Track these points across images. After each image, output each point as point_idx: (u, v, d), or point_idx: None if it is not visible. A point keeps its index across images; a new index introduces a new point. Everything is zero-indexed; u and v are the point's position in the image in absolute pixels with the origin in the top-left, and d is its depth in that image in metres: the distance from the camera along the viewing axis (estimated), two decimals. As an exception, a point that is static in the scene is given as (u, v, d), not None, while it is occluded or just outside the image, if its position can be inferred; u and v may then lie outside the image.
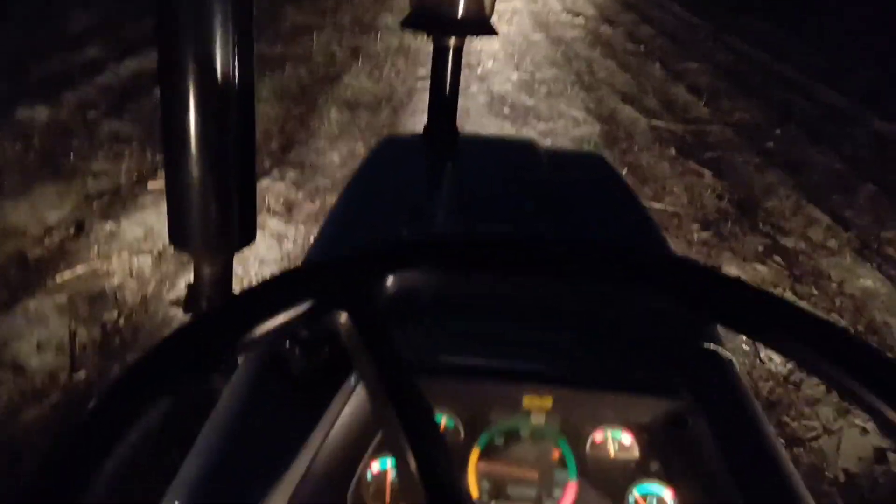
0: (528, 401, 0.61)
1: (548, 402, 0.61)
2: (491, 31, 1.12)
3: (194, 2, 0.66)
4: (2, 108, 3.79)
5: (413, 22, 1.11)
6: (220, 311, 0.40)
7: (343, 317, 0.40)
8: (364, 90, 4.91)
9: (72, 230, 2.78)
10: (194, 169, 0.70)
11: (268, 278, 0.41)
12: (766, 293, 0.44)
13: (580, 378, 0.63)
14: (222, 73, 0.68)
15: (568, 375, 0.63)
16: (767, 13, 9.85)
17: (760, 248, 3.26)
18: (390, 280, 0.42)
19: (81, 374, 2.04)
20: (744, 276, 2.96)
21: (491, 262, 0.45)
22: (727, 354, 0.68)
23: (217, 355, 0.37)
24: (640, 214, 1.06)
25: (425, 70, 5.17)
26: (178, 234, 0.75)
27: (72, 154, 3.41)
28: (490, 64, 5.84)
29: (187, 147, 0.70)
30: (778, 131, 4.96)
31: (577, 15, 8.54)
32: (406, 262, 0.44)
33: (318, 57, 5.64)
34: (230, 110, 0.70)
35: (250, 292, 0.41)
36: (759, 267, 3.08)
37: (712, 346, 0.67)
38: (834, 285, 3.03)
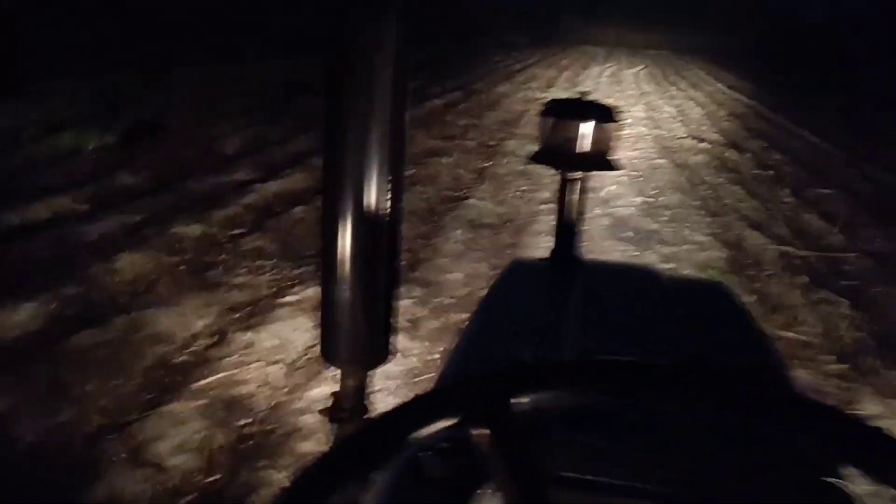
0: None
1: None
2: (613, 167, 1.19)
3: (357, 134, 0.75)
4: (159, 223, 4.19)
5: (541, 158, 1.20)
6: (388, 418, 0.46)
7: (485, 430, 0.45)
8: (488, 211, 5.08)
9: (214, 338, 2.98)
10: (348, 289, 0.79)
11: (425, 392, 0.47)
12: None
13: (697, 500, 0.64)
14: (376, 201, 0.77)
15: (686, 497, 0.64)
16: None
17: (905, 386, 3.05)
18: (526, 398, 0.47)
19: (215, 476, 2.15)
20: (886, 414, 2.77)
21: (614, 386, 0.49)
22: (852, 491, 0.66)
23: (385, 455, 0.43)
24: (764, 344, 1.05)
25: (548, 193, 5.31)
26: (330, 349, 0.83)
27: (218, 267, 3.69)
28: (614, 188, 5.92)
29: (342, 267, 0.79)
30: (922, 261, 4.70)
31: (702, 140, 8.56)
32: (540, 384, 0.48)
33: (445, 178, 5.92)
34: (382, 237, 0.79)
35: (412, 403, 0.46)
36: (905, 406, 2.87)
37: (835, 482, 0.66)
38: None
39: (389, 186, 0.77)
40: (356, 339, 0.80)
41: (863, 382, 3.06)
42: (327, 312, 0.81)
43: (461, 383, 0.47)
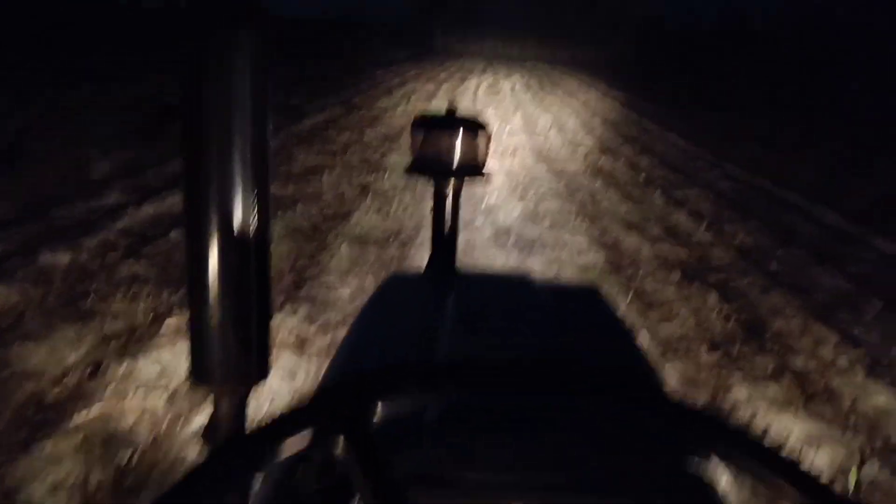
0: None
1: None
2: (486, 175, 1.22)
3: (217, 147, 0.74)
4: (25, 253, 3.94)
5: (415, 168, 1.21)
6: (231, 447, 0.45)
7: (340, 440, 0.45)
8: (373, 226, 5.08)
9: (89, 370, 2.83)
10: (216, 308, 0.77)
11: (273, 415, 0.47)
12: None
13: (567, 491, 0.66)
14: (242, 218, 0.76)
15: (555, 488, 0.66)
16: (765, 139, 10.22)
17: (770, 369, 3.27)
18: (383, 403, 0.48)
19: (93, 517, 2.03)
20: (755, 397, 2.96)
21: (473, 383, 0.51)
22: (716, 477, 0.70)
23: (231, 488, 0.42)
24: (632, 344, 1.10)
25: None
26: (200, 370, 0.80)
27: (90, 296, 3.51)
28: (495, 197, 6.05)
29: (209, 286, 0.77)
30: (780, 253, 5.06)
31: (578, 147, 8.89)
32: (394, 387, 0.49)
33: (328, 195, 5.87)
34: (249, 252, 0.78)
35: (260, 428, 0.46)
36: (771, 388, 3.07)
37: (699, 468, 0.70)
38: (847, 403, 3.01)
39: (255, 197, 0.76)
40: (226, 359, 0.78)
41: (733, 369, 3.25)
42: (196, 332, 0.79)
43: (317, 394, 0.47)
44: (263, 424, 0.46)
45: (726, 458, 0.47)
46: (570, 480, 0.67)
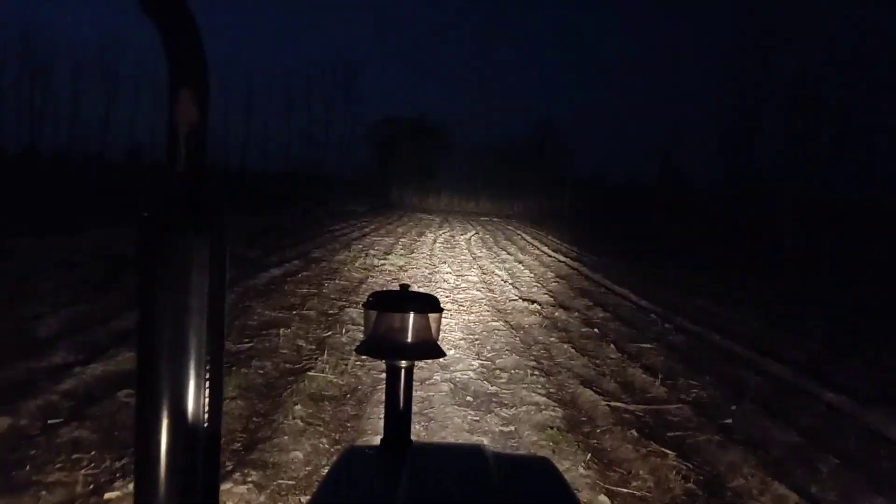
0: None
1: None
2: (439, 355, 1.24)
3: (172, 333, 0.76)
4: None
5: (366, 349, 1.23)
6: None
7: None
8: (329, 383, 5.01)
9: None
10: (163, 484, 0.76)
11: None
12: None
13: None
14: (193, 413, 0.77)
15: None
16: (714, 294, 10.54)
17: (733, 533, 3.21)
18: None
19: None
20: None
21: None
22: None
23: None
24: None
25: (389, 361, 5.33)
26: None
27: (28, 464, 3.34)
28: (452, 352, 6.05)
29: (158, 468, 0.76)
30: (734, 407, 5.10)
31: (533, 302, 9.04)
32: None
33: (284, 350, 5.81)
34: (198, 447, 0.78)
35: None
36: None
37: None
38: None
39: (206, 395, 0.77)
40: None
41: (695, 533, 3.19)
42: None
43: None
44: None
45: None
46: None
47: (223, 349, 0.81)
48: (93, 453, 3.51)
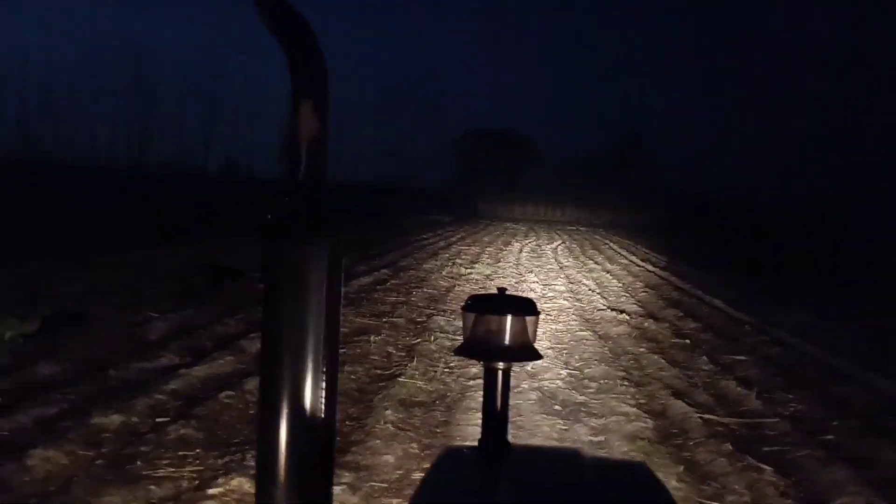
0: None
1: None
2: (536, 357, 1.28)
3: (292, 331, 0.82)
4: (78, 414, 4.03)
5: (465, 351, 1.28)
6: None
7: None
8: (418, 389, 5.09)
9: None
10: (282, 474, 0.82)
11: None
12: None
13: None
14: (311, 405, 0.83)
15: None
16: (814, 307, 10.09)
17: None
18: None
19: None
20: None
21: None
22: None
23: None
24: None
25: (477, 368, 5.38)
26: None
27: (138, 460, 3.55)
28: (540, 361, 6.03)
29: (276, 472, 0.83)
30: (835, 423, 4.89)
31: (621, 312, 8.91)
32: None
33: (374, 357, 5.94)
34: (317, 443, 0.83)
35: None
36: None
37: None
38: None
39: (323, 394, 0.83)
40: None
41: (794, 551, 3.08)
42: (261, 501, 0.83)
43: None
44: None
45: None
46: None
47: (339, 349, 0.87)
48: (197, 451, 3.69)
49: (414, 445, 4.03)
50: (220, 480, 3.32)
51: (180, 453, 3.66)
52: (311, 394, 0.83)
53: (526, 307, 1.32)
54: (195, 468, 3.50)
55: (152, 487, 3.28)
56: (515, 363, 1.33)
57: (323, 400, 0.84)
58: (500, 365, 1.31)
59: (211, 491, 3.23)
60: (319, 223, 0.83)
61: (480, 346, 1.28)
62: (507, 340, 1.27)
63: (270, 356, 0.83)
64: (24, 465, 3.37)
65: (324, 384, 0.83)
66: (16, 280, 7.56)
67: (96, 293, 7.42)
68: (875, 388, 5.98)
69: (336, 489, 3.31)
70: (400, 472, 3.63)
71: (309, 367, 0.82)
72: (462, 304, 1.34)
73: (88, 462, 3.51)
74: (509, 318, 1.28)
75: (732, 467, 3.98)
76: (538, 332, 1.33)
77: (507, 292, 1.37)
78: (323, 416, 0.84)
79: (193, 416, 4.14)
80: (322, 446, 0.84)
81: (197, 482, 3.35)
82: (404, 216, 28.07)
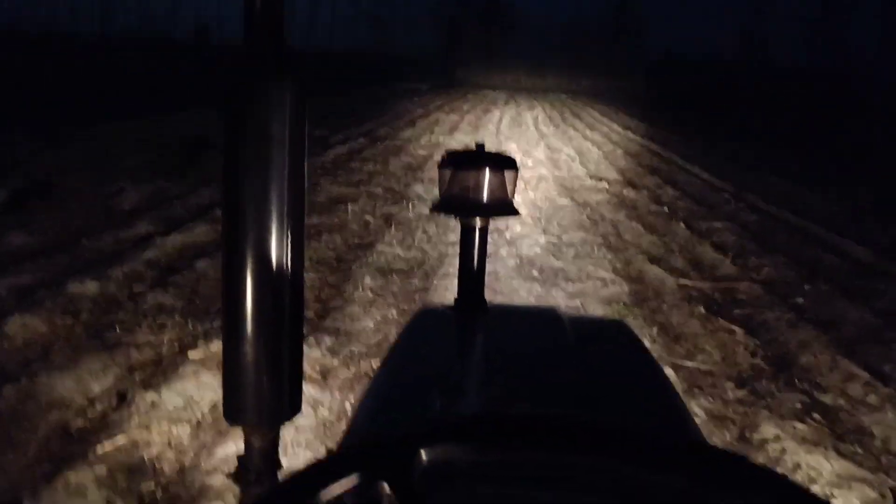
0: None
1: None
2: (514, 213, 1.22)
3: (254, 186, 0.76)
4: (53, 283, 4.00)
5: (442, 207, 1.22)
6: (278, 491, 0.46)
7: (385, 488, 0.45)
8: (396, 256, 5.10)
9: (114, 401, 2.85)
10: (250, 348, 0.78)
11: (320, 457, 0.48)
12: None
13: None
14: (277, 256, 0.78)
15: None
16: (793, 176, 10.13)
17: (798, 406, 3.21)
18: (427, 453, 0.48)
19: (117, 549, 2.04)
20: (782, 435, 2.90)
21: (517, 441, 0.51)
22: None
23: None
24: (661, 383, 1.10)
25: (455, 236, 5.38)
26: (233, 410, 0.81)
27: (117, 327, 3.55)
28: (518, 228, 6.05)
29: (244, 327, 0.78)
30: (807, 287, 5.00)
31: (601, 179, 8.89)
32: (439, 439, 0.50)
33: (352, 225, 5.91)
34: (284, 293, 0.79)
35: (315, 465, 0.47)
36: (798, 425, 3.02)
37: None
38: (878, 443, 2.95)
39: (289, 241, 0.78)
40: (260, 398, 0.79)
41: (760, 406, 3.20)
42: (229, 372, 0.80)
43: (364, 441, 0.48)
44: (306, 468, 0.47)
45: None
46: None
47: (304, 196, 0.81)
48: (176, 318, 3.70)
49: (392, 311, 4.07)
50: (200, 344, 3.34)
51: (159, 321, 3.66)
52: (275, 244, 0.77)
53: (504, 162, 1.25)
54: (174, 334, 3.52)
55: (132, 352, 3.30)
56: (493, 219, 1.28)
57: (288, 251, 0.79)
58: (478, 222, 1.26)
59: (191, 355, 3.25)
60: (280, 61, 0.77)
61: (457, 202, 1.23)
62: (484, 197, 1.22)
63: (232, 206, 0.77)
64: (2, 333, 3.36)
65: (289, 234, 0.78)
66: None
67: (67, 166, 7.23)
68: (848, 254, 6.08)
69: (316, 353, 3.36)
70: (379, 336, 3.67)
71: (273, 217, 0.77)
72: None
73: (67, 329, 3.51)
74: (487, 172, 1.22)
75: (705, 329, 4.08)
76: (516, 192, 1.28)
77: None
78: (289, 268, 0.79)
79: (170, 283, 4.13)
80: (290, 299, 0.80)
81: (177, 346, 3.37)
82: (381, 84, 27.37)
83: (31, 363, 3.12)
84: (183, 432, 2.64)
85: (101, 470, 2.38)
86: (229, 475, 0.82)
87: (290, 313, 0.81)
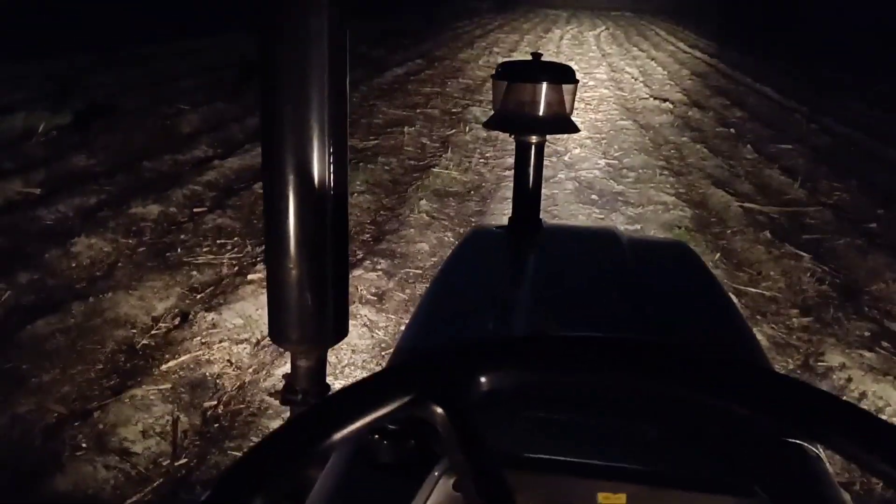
0: (603, 498, 0.61)
1: (622, 499, 0.61)
2: (573, 129, 1.16)
3: (294, 107, 0.73)
4: (116, 204, 4.09)
5: (496, 123, 1.16)
6: (322, 408, 0.43)
7: (439, 410, 0.42)
8: (453, 179, 5.04)
9: (176, 320, 2.93)
10: (293, 269, 0.76)
11: (372, 373, 0.45)
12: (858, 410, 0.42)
13: (656, 476, 0.63)
14: (319, 178, 0.74)
15: (644, 473, 0.62)
16: (871, 99, 9.60)
17: (867, 334, 3.10)
18: (482, 377, 0.45)
19: (182, 460, 2.11)
20: (848, 364, 2.81)
21: (577, 364, 0.47)
22: (813, 450, 0.65)
23: (318, 451, 0.40)
24: (725, 306, 1.04)
25: (512, 159, 5.28)
26: (278, 330, 0.80)
27: (178, 247, 3.62)
28: (577, 151, 5.91)
29: (287, 248, 0.76)
30: (881, 211, 4.77)
31: (665, 101, 8.57)
32: (497, 362, 0.46)
33: (409, 148, 5.86)
34: (326, 215, 0.76)
35: (354, 387, 0.44)
36: (866, 354, 2.91)
37: (797, 441, 0.65)
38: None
39: (332, 162, 0.74)
40: (304, 319, 0.77)
41: (826, 334, 3.10)
42: (273, 293, 0.78)
43: (416, 361, 0.45)
44: (358, 383, 0.45)
45: (831, 441, 0.41)
46: (664, 469, 0.63)
47: (346, 119, 0.77)
48: (235, 239, 3.75)
49: (448, 234, 4.04)
50: (259, 266, 3.39)
51: (219, 242, 3.72)
52: (317, 166, 0.74)
53: (563, 74, 1.18)
54: (234, 255, 3.57)
55: (194, 273, 3.37)
56: (550, 136, 1.22)
57: (331, 174, 0.75)
58: (534, 138, 1.20)
59: (251, 276, 3.31)
60: None
61: (512, 118, 1.16)
62: (541, 111, 1.15)
63: (270, 129, 0.74)
64: (69, 252, 3.46)
65: (332, 156, 0.75)
66: (46, 73, 7.47)
67: (126, 88, 7.30)
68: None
69: (371, 275, 3.37)
70: (434, 259, 3.66)
71: (314, 139, 0.73)
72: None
73: (130, 249, 3.60)
74: (544, 86, 1.15)
75: (770, 255, 3.94)
76: (575, 106, 1.21)
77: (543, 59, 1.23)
78: (332, 190, 0.75)
79: (230, 206, 4.18)
80: (333, 221, 0.77)
81: (236, 268, 3.43)
82: (438, 3, 26.73)
83: (96, 282, 3.22)
84: (243, 351, 2.70)
85: (165, 385, 2.46)
86: (273, 394, 0.81)
87: (333, 235, 0.78)
